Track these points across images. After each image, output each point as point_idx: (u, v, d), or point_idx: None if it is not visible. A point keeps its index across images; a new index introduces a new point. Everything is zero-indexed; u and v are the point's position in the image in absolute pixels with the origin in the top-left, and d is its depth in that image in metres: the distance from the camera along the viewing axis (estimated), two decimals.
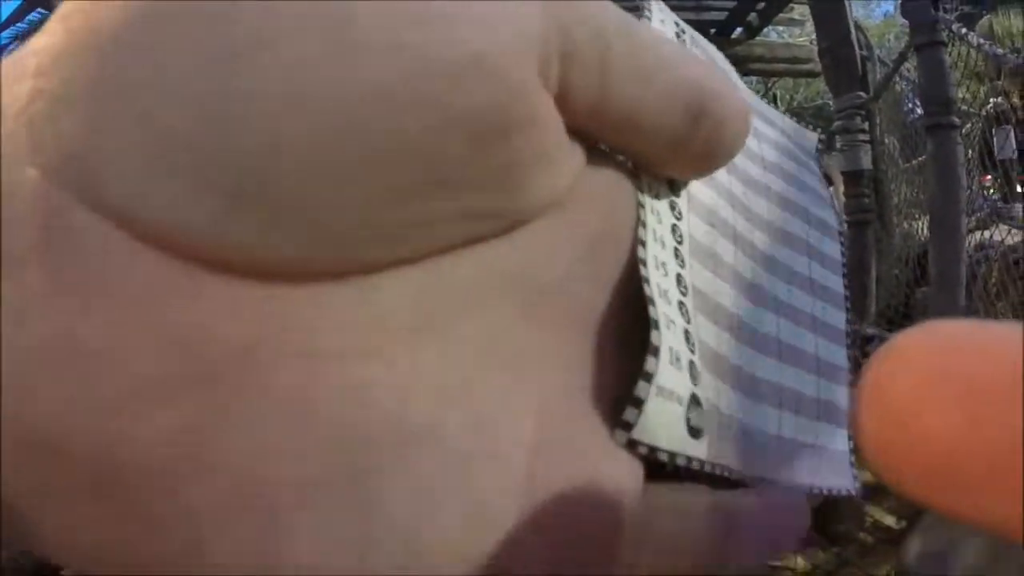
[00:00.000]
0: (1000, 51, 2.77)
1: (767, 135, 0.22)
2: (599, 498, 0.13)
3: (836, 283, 0.23)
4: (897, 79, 3.45)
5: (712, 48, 0.21)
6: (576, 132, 0.13)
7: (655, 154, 0.15)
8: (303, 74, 0.09)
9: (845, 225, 0.22)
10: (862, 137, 3.65)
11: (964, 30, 2.78)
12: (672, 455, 0.14)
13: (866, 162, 3.66)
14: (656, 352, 0.14)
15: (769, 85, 14.28)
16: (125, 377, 0.09)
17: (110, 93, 0.09)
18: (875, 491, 3.48)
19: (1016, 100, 3.44)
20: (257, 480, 0.10)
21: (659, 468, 0.15)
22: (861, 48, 3.75)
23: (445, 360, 0.12)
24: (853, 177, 3.70)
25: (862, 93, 3.63)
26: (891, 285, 3.77)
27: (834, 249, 0.23)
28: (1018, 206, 3.66)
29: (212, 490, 0.10)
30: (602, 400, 0.14)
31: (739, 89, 0.18)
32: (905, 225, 3.68)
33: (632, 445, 0.14)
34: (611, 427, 0.14)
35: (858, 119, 3.65)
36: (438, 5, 0.10)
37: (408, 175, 0.10)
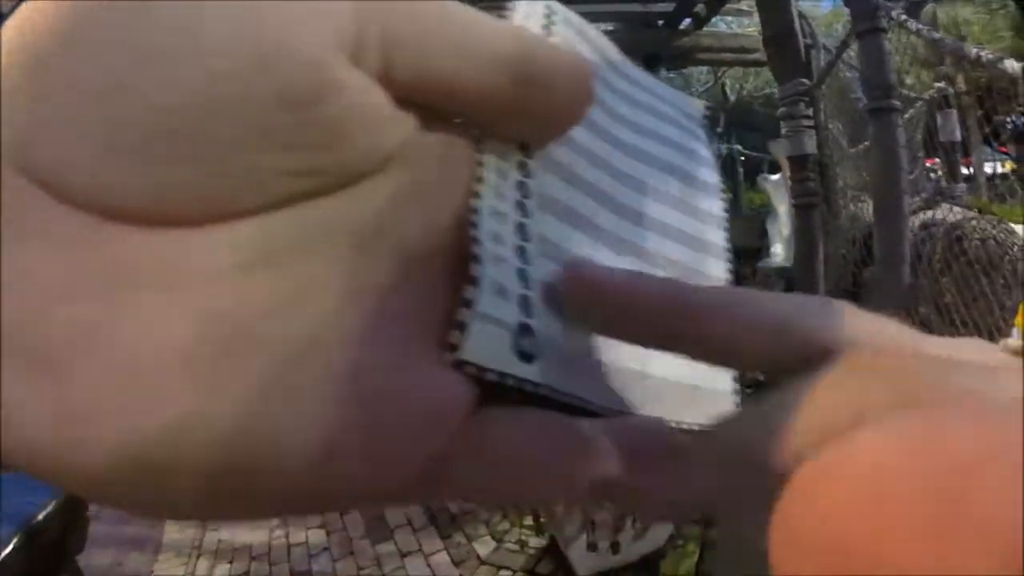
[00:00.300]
0: (938, 35, 2.85)
1: (644, 102, 0.25)
2: (424, 412, 0.15)
3: (717, 236, 0.25)
4: (843, 67, 3.53)
5: (594, 33, 0.24)
6: (410, 100, 0.16)
7: (492, 119, 0.18)
8: (164, 62, 0.13)
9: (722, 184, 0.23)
10: (806, 123, 3.71)
11: (904, 17, 2.86)
12: (501, 375, 0.16)
13: (811, 147, 3.73)
14: (476, 282, 0.16)
15: (719, 75, 14.41)
16: (41, 283, 0.13)
17: (38, 85, 0.13)
18: None
19: (961, 86, 3.53)
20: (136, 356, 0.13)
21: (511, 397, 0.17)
22: (805, 36, 3.82)
23: (283, 286, 0.14)
24: (798, 161, 3.76)
25: (805, 80, 3.70)
26: (839, 265, 3.86)
27: (715, 206, 0.26)
28: (962, 186, 3.77)
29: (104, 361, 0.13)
30: (433, 328, 0.16)
31: (589, 63, 0.21)
32: (852, 207, 3.76)
33: (460, 365, 0.15)
34: (441, 351, 0.16)
35: (802, 105, 3.71)
36: (259, 6, 0.13)
37: (241, 134, 0.13)
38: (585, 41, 0.23)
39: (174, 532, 4.05)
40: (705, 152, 0.27)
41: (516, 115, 0.18)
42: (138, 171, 0.13)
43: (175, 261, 0.13)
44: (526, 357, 0.17)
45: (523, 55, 0.17)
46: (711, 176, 0.26)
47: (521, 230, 0.18)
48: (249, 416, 0.13)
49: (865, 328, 0.17)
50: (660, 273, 0.22)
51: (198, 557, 3.73)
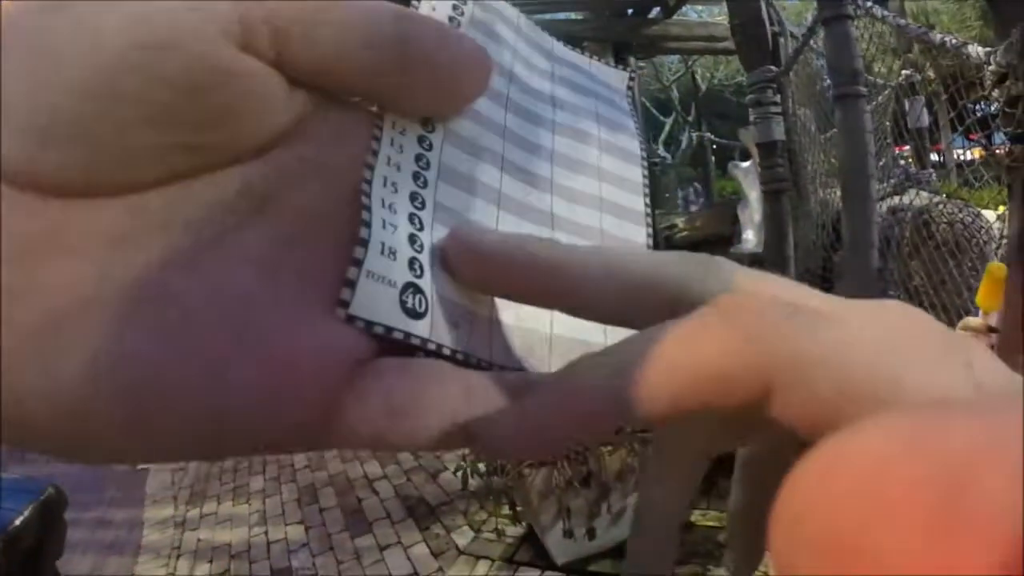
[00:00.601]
0: (904, 22, 2.88)
1: (564, 77, 0.27)
2: (314, 361, 0.16)
3: (636, 202, 0.26)
4: (813, 55, 3.56)
5: (513, 13, 0.25)
6: (309, 82, 0.18)
7: (381, 98, 0.19)
8: (69, 57, 0.14)
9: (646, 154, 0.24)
10: (774, 109, 3.75)
11: (870, 3, 2.89)
12: (388, 329, 0.17)
13: (779, 133, 3.76)
14: (364, 243, 0.17)
15: (689, 63, 14.49)
16: None
17: None
18: (806, 447, 3.60)
19: (929, 74, 3.57)
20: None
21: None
22: (773, 24, 3.85)
23: (182, 246, 0.16)
24: (767, 148, 3.79)
25: (773, 67, 3.74)
26: (809, 250, 3.90)
27: (635, 173, 0.27)
28: (930, 172, 3.82)
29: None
30: (327, 289, 0.17)
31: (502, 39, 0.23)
32: (821, 193, 3.80)
33: (351, 320, 0.17)
34: (333, 308, 0.17)
35: (769, 92, 3.74)
36: (149, 7, 0.15)
37: (138, 118, 0.15)
38: (502, 21, 0.24)
39: (153, 534, 4.03)
40: (627, 121, 0.28)
41: (403, 93, 0.19)
42: (52, 150, 0.15)
43: (89, 227, 0.15)
44: (414, 314, 0.18)
45: (401, 36, 0.18)
46: (632, 145, 0.27)
47: (415, 199, 0.20)
48: (155, 363, 0.15)
49: (746, 284, 0.18)
50: (574, 240, 0.23)
51: (178, 558, 3.71)
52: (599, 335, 0.23)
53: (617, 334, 0.21)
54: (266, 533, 3.78)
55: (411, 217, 0.19)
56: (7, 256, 0.14)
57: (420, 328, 0.18)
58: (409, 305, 0.18)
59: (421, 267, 0.19)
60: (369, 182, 0.18)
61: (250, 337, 0.16)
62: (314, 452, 4.67)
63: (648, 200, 0.27)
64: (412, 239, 0.19)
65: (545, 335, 0.22)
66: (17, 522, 2.79)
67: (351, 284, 0.17)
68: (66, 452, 0.15)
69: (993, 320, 1.18)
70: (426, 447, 0.18)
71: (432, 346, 0.18)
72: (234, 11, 0.16)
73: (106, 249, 0.15)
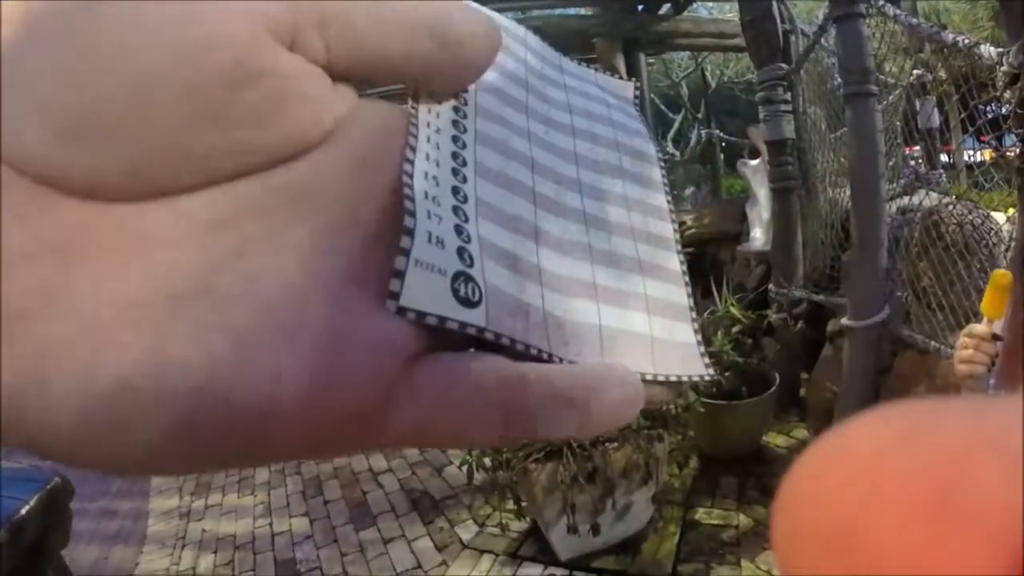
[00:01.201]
0: (916, 21, 2.86)
1: (575, 87, 0.28)
2: (364, 357, 0.16)
3: (658, 199, 0.27)
4: (824, 54, 3.54)
5: (522, 32, 0.26)
6: (350, 76, 0.18)
7: (417, 77, 0.20)
8: (107, 56, 0.14)
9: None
10: (784, 107, 3.74)
11: (881, 2, 2.87)
12: (442, 319, 0.17)
13: (789, 131, 3.75)
14: (411, 233, 0.17)
15: (699, 60, 14.45)
16: (3, 248, 0.14)
17: (7, 76, 0.14)
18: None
19: (941, 74, 3.55)
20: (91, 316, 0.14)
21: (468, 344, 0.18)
22: (784, 21, 3.84)
23: (228, 246, 0.15)
24: (776, 146, 3.79)
25: (783, 65, 3.72)
26: (817, 248, 3.89)
27: (653, 172, 0.27)
28: (940, 172, 3.81)
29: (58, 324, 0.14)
30: (375, 281, 0.17)
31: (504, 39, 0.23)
32: (831, 192, 3.79)
33: (402, 312, 0.16)
34: (383, 300, 0.17)
35: (780, 90, 3.74)
36: (193, 5, 0.15)
37: (179, 119, 0.15)
38: (511, 36, 0.25)
39: (158, 524, 4.04)
40: (639, 126, 0.29)
41: (435, 70, 0.20)
42: (90, 152, 0.14)
43: (128, 228, 0.15)
44: (468, 303, 0.18)
45: (443, 18, 0.19)
46: (647, 147, 0.28)
47: (456, 193, 0.20)
48: (199, 365, 0.14)
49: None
50: (611, 240, 0.24)
51: (183, 548, 3.74)
52: (644, 325, 0.23)
53: (660, 324, 0.23)
54: (271, 525, 3.79)
55: (455, 209, 0.19)
56: (37, 255, 0.14)
57: (475, 317, 0.18)
58: (462, 294, 0.17)
59: (471, 257, 0.19)
60: (410, 175, 0.18)
61: (299, 335, 0.15)
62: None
63: (670, 197, 0.27)
64: (459, 230, 0.19)
65: (595, 326, 0.22)
66: (23, 511, 2.81)
67: (400, 274, 0.16)
68: (104, 464, 0.15)
69: (998, 328, 1.17)
70: (482, 443, 0.18)
71: (490, 335, 0.18)
72: (282, 10, 0.16)
73: (145, 251, 0.15)
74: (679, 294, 0.25)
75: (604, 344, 0.22)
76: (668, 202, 0.27)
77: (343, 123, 0.18)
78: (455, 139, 0.21)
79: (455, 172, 0.20)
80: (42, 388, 0.13)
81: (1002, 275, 1.16)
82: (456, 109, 0.22)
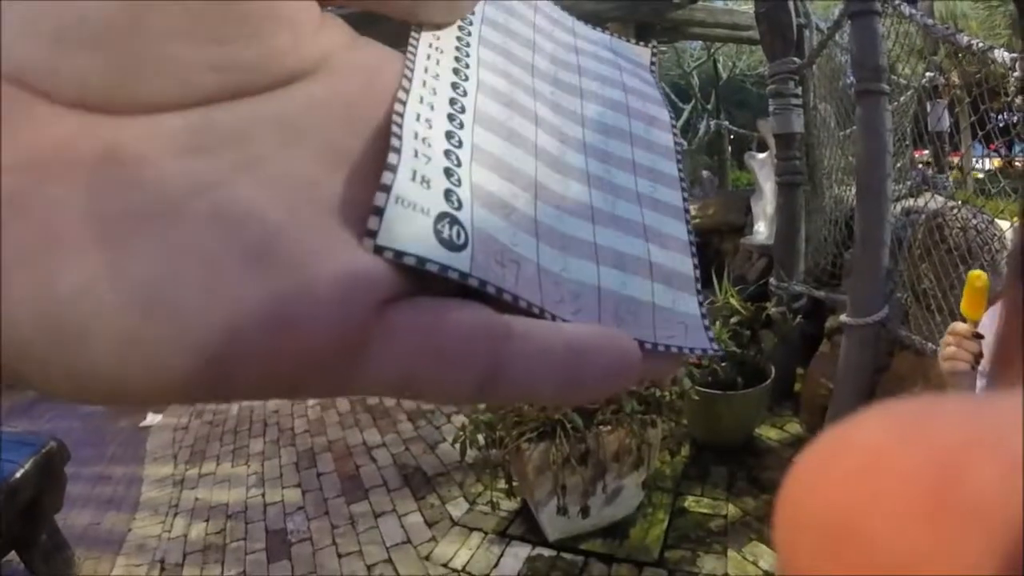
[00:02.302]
0: (930, 22, 2.85)
1: (587, 50, 0.28)
2: (334, 292, 0.15)
3: (668, 167, 0.26)
4: (838, 51, 3.53)
5: None
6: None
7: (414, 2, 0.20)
8: None
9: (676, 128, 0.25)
10: (795, 101, 3.73)
11: (898, 1, 2.86)
12: (421, 260, 0.16)
13: (798, 125, 3.75)
14: (393, 169, 0.16)
15: (711, 50, 14.36)
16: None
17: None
18: (804, 441, 3.62)
19: (954, 79, 3.53)
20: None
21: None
22: (799, 16, 3.82)
23: (208, 169, 0.15)
24: (785, 139, 3.79)
25: (796, 59, 3.71)
26: (820, 244, 3.88)
27: (665, 138, 0.27)
28: (947, 176, 3.79)
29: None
30: (356, 221, 0.16)
31: None
32: (836, 189, 3.79)
33: (379, 251, 0.16)
34: (362, 239, 0.16)
35: (791, 84, 3.73)
36: None
37: (172, 23, 0.15)
38: (528, 4, 0.25)
39: (152, 491, 4.07)
40: (653, 91, 0.28)
41: None
42: (76, 57, 0.14)
43: (108, 141, 0.14)
44: (451, 246, 0.17)
45: None
46: (659, 112, 0.28)
47: (451, 137, 0.19)
48: (159, 281, 0.14)
49: None
50: (614, 201, 0.23)
51: (175, 516, 3.76)
52: (647, 291, 0.22)
53: (663, 292, 0.22)
54: (263, 495, 3.82)
55: (447, 153, 0.19)
56: (15, 165, 0.14)
57: (459, 261, 0.17)
58: (445, 235, 0.17)
59: (459, 200, 0.18)
60: (401, 114, 0.18)
61: (268, 263, 0.15)
62: (322, 406, 4.69)
63: (681, 165, 0.27)
64: (448, 172, 0.18)
65: (594, 287, 0.21)
66: (17, 475, 2.83)
67: (379, 211, 0.16)
68: (60, 379, 0.14)
69: (982, 328, 1.20)
70: (458, 397, 0.17)
71: (475, 282, 0.17)
72: None
73: (120, 166, 0.14)
74: (685, 264, 0.24)
75: (603, 306, 0.21)
76: (679, 171, 0.26)
77: (334, 61, 0.18)
78: (455, 86, 0.21)
79: (451, 117, 0.20)
80: (6, 292, 0.13)
81: (977, 276, 1.18)
82: (458, 59, 0.21)
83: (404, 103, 0.18)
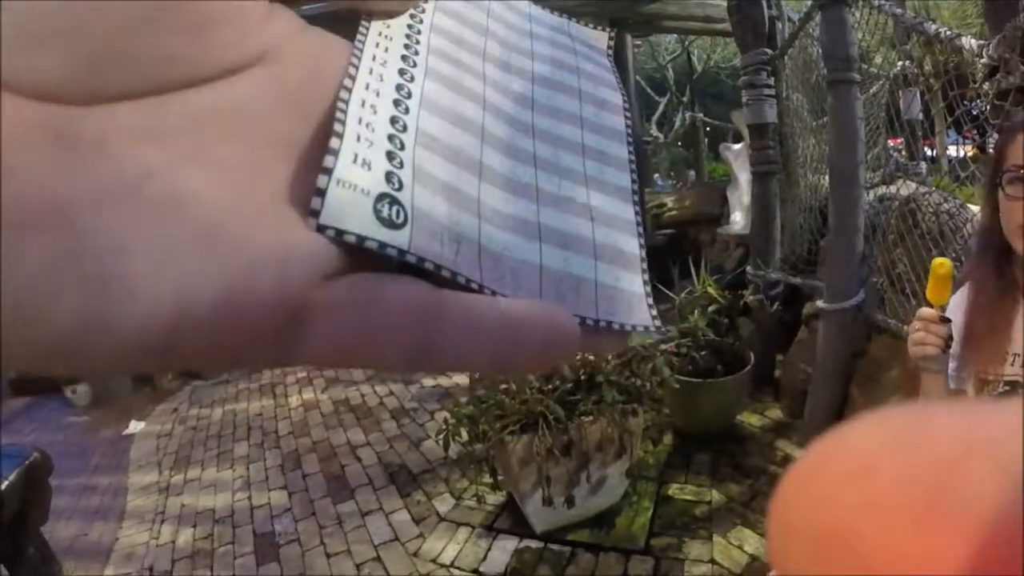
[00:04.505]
0: (899, 11, 2.89)
1: (542, 35, 0.28)
2: (277, 269, 0.16)
3: (618, 149, 0.27)
4: (810, 42, 3.56)
5: None
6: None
7: None
8: None
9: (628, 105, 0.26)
10: (767, 92, 3.77)
11: None
12: (360, 238, 0.17)
13: (771, 116, 3.79)
14: (335, 153, 0.18)
15: (685, 43, 14.40)
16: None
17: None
18: (785, 426, 3.67)
19: (927, 67, 3.57)
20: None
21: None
22: (770, 7, 3.85)
23: (158, 156, 0.16)
24: (758, 129, 3.83)
25: (768, 50, 3.74)
26: (795, 232, 3.92)
27: (616, 121, 0.27)
28: (921, 163, 3.84)
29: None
30: (301, 204, 0.17)
31: None
32: (811, 177, 3.83)
33: (321, 230, 0.17)
34: (305, 219, 0.17)
35: (763, 75, 3.77)
36: None
37: (124, 18, 0.15)
38: None
39: (137, 500, 4.03)
40: (608, 75, 0.29)
41: None
42: (30, 50, 0.15)
43: (66, 129, 0.15)
44: (390, 224, 0.18)
45: None
46: (612, 96, 0.28)
47: (395, 122, 0.20)
48: (114, 258, 0.15)
49: None
50: (559, 180, 0.24)
51: (162, 523, 3.73)
52: (589, 269, 0.23)
53: (606, 270, 0.23)
54: (249, 498, 3.80)
55: (390, 137, 0.20)
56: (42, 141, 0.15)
57: (397, 239, 0.18)
58: (384, 215, 0.18)
59: (400, 181, 0.19)
60: (346, 101, 0.19)
61: (216, 243, 0.16)
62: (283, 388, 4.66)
63: (632, 149, 0.27)
64: (390, 155, 0.19)
65: (535, 265, 0.21)
66: (2, 487, 2.80)
67: (321, 192, 0.17)
68: (22, 355, 0.14)
69: (950, 312, 1.23)
70: (393, 368, 0.18)
71: (412, 258, 0.18)
72: None
73: (76, 152, 0.15)
74: (631, 244, 0.24)
75: (544, 284, 0.21)
76: (630, 153, 0.27)
77: (281, 51, 0.19)
78: (402, 72, 0.21)
79: (397, 103, 0.21)
80: None
81: (940, 264, 1.21)
82: (407, 46, 0.22)
83: (349, 90, 0.19)
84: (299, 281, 0.17)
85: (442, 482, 3.52)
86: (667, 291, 3.92)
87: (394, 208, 0.18)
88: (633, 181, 0.26)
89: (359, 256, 0.17)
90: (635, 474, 3.04)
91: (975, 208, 2.80)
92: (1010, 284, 1.17)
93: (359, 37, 0.21)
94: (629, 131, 0.27)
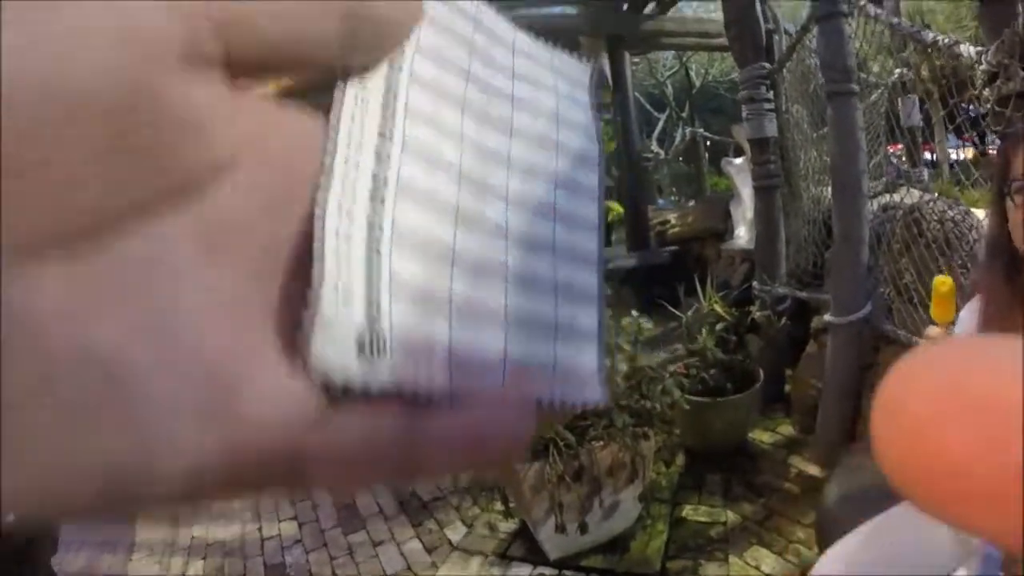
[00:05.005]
0: (896, 20, 2.89)
1: (526, 75, 0.26)
2: (274, 416, 0.16)
3: (588, 208, 0.25)
4: (807, 53, 3.57)
5: (472, 6, 0.24)
6: (257, 75, 0.17)
7: (334, 57, 0.19)
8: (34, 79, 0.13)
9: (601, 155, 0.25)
10: (767, 106, 3.76)
11: (863, 2, 2.90)
12: (347, 385, 0.17)
13: (771, 130, 3.78)
14: (317, 284, 0.17)
15: (683, 59, 14.52)
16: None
17: None
18: (797, 443, 3.64)
19: (925, 74, 3.58)
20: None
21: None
22: (767, 21, 3.86)
23: (143, 280, 0.15)
24: (759, 144, 3.82)
25: (766, 64, 3.74)
26: (800, 245, 3.91)
27: (589, 179, 0.26)
28: (923, 170, 3.84)
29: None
30: (286, 325, 0.17)
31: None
32: (813, 189, 3.82)
33: (309, 374, 0.17)
34: (291, 357, 0.17)
35: (763, 88, 3.76)
36: (74, 28, 0.13)
37: (72, 155, 0.13)
38: (460, 15, 0.24)
39: (147, 531, 4.02)
40: (588, 120, 0.27)
41: (350, 49, 0.19)
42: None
43: (22, 305, 0.14)
44: (372, 360, 0.18)
45: (349, 2, 0.18)
46: (590, 147, 0.27)
47: (372, 227, 0.19)
48: (124, 452, 0.14)
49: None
50: (519, 251, 0.23)
51: (172, 555, 3.71)
52: (549, 355, 0.23)
53: (563, 351, 0.23)
54: (260, 529, 3.78)
55: (368, 246, 0.19)
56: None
57: (379, 373, 0.18)
58: (366, 352, 0.18)
59: (379, 307, 0.19)
60: (323, 209, 0.18)
61: (211, 405, 0.15)
62: None
63: (602, 203, 0.26)
64: (369, 278, 0.19)
65: (500, 352, 0.21)
66: (10, 517, 2.78)
67: (306, 335, 0.17)
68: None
69: (957, 323, 1.23)
70: (384, 488, 0.19)
71: (392, 390, 0.18)
72: (175, 21, 0.14)
73: (41, 339, 0.14)
74: (590, 316, 0.24)
75: (507, 372, 0.21)
76: (598, 213, 0.26)
77: (252, 148, 0.17)
78: (378, 155, 0.20)
79: (373, 196, 0.19)
80: None
81: (942, 282, 1.21)
82: (384, 116, 0.20)
83: (327, 189, 0.18)
84: (298, 428, 0.17)
85: (453, 510, 3.49)
86: (673, 310, 3.90)
87: (376, 342, 0.18)
88: (598, 244, 0.25)
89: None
90: (648, 497, 3.01)
91: (980, 213, 2.79)
92: (1020, 292, 1.16)
93: (334, 110, 0.19)
94: (600, 185, 0.26)
